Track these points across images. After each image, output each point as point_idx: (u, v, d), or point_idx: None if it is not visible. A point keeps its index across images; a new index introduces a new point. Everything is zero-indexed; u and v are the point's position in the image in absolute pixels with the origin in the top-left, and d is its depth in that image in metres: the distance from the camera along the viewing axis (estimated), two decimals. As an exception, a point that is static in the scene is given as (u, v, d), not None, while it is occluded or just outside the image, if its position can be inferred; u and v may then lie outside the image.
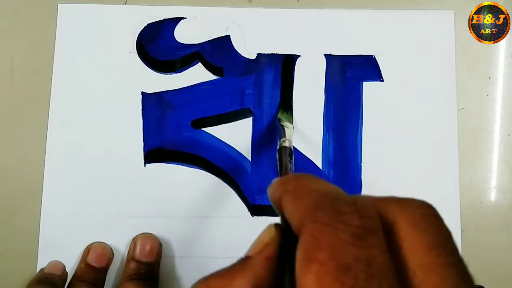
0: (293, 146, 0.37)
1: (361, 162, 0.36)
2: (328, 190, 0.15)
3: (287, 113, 0.37)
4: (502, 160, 0.37)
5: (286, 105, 0.37)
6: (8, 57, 0.38)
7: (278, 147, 0.32)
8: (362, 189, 0.36)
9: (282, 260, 0.16)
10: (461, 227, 0.36)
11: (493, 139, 0.37)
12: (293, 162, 0.30)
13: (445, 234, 0.14)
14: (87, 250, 0.35)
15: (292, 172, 0.29)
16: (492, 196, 0.37)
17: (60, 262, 0.35)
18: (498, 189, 0.37)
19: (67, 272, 0.35)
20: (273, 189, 0.17)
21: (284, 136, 0.33)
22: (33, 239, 0.35)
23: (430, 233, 0.14)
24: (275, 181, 0.18)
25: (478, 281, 0.34)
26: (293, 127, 0.36)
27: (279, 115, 0.36)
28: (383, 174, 0.36)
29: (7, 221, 0.36)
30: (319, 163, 0.36)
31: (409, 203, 0.15)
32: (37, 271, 0.35)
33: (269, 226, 0.17)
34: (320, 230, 0.13)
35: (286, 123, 0.35)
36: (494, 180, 0.37)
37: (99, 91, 0.37)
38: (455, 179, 0.36)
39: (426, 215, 0.14)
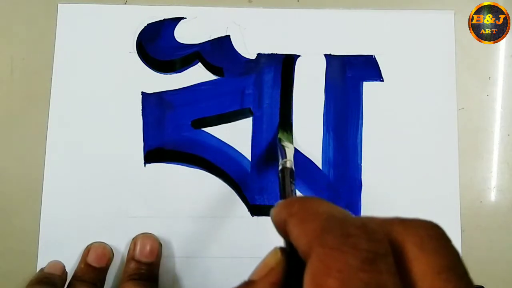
0: (294, 147, 0.37)
1: (361, 162, 0.36)
2: (335, 213, 0.15)
3: (287, 132, 0.37)
4: (502, 160, 0.37)
5: (285, 124, 0.37)
6: (8, 57, 0.38)
7: (280, 168, 0.31)
8: (362, 189, 0.36)
9: (288, 285, 0.16)
10: (461, 227, 0.36)
11: (493, 139, 0.37)
12: (294, 184, 0.30)
13: (454, 256, 0.14)
14: (87, 250, 0.35)
15: (294, 194, 0.29)
16: (492, 196, 0.37)
17: (60, 262, 0.35)
18: (498, 189, 0.37)
19: (67, 272, 0.35)
20: (277, 211, 0.17)
21: (285, 156, 0.33)
22: (33, 239, 0.35)
23: (439, 256, 0.14)
24: (279, 203, 0.17)
25: (478, 281, 0.34)
26: (294, 147, 0.36)
27: (279, 136, 0.36)
28: (383, 174, 0.36)
29: (7, 221, 0.36)
30: (319, 163, 0.36)
31: (415, 224, 0.15)
32: (37, 271, 0.35)
33: (274, 249, 0.17)
34: (328, 255, 0.13)
35: (286, 143, 0.35)
36: (494, 180, 0.37)
37: (99, 91, 0.37)
38: (455, 179, 0.36)
39: (433, 236, 0.14)
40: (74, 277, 0.33)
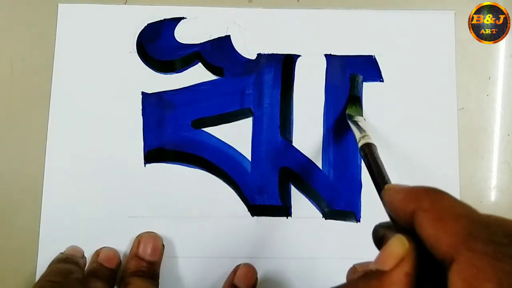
0: (294, 146, 0.37)
1: (361, 162, 0.36)
2: (477, 217, 0.15)
3: (355, 106, 0.36)
4: (502, 160, 0.37)
5: (354, 98, 0.36)
6: (8, 57, 0.38)
7: (360, 145, 0.29)
8: (362, 189, 0.36)
9: (422, 280, 0.15)
10: (461, 227, 0.36)
11: (493, 139, 0.37)
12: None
13: None
14: (97, 254, 0.35)
15: (387, 175, 0.26)
16: (492, 196, 0.37)
17: (79, 247, 0.35)
18: (498, 189, 0.37)
19: (85, 257, 0.35)
20: (400, 199, 0.16)
21: (363, 131, 0.30)
22: (33, 239, 0.35)
23: None
24: (400, 189, 0.17)
25: (478, 281, 0.34)
26: (364, 119, 0.34)
27: (347, 111, 0.35)
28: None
29: (7, 221, 0.36)
30: (319, 163, 0.36)
31: None
32: (37, 271, 0.35)
33: (398, 237, 0.16)
34: (482, 260, 0.13)
35: (357, 117, 0.33)
36: (494, 180, 0.37)
37: (99, 91, 0.37)
38: (455, 179, 0.36)
39: None
40: (87, 274, 0.33)
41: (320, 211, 0.36)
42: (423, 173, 0.36)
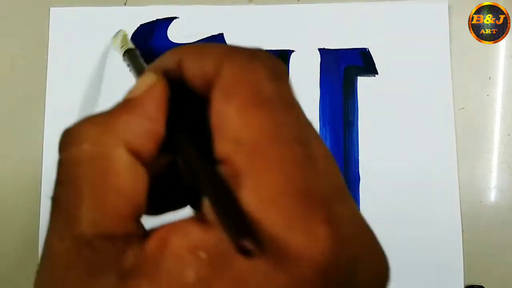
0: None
1: (358, 156, 0.36)
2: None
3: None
4: (502, 160, 0.37)
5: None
6: (5, 58, 0.38)
7: (122, 54, 0.32)
8: (360, 183, 0.36)
9: (175, 113, 0.14)
10: (461, 227, 0.36)
11: (493, 139, 0.37)
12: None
13: None
14: None
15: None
16: (492, 196, 0.37)
17: None
18: (498, 189, 0.37)
19: None
20: (166, 58, 0.15)
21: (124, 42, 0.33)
22: (33, 239, 0.35)
23: None
24: (167, 54, 0.15)
25: (478, 280, 0.34)
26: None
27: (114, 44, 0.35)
28: (382, 168, 0.36)
29: (7, 221, 0.36)
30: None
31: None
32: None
33: (147, 73, 0.15)
34: (239, 68, 0.13)
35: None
36: (494, 180, 0.37)
37: (94, 92, 0.37)
38: (455, 179, 0.36)
39: None
40: None
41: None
42: (423, 173, 0.36)
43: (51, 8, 0.38)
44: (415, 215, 0.35)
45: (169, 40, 0.38)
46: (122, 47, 0.33)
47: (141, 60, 0.30)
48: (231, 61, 0.13)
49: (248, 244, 0.11)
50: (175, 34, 0.38)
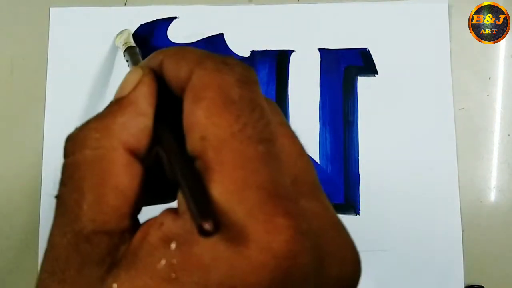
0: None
1: (358, 156, 0.36)
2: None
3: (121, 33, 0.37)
4: (502, 160, 0.37)
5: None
6: (5, 58, 0.38)
7: (123, 51, 0.33)
8: (361, 183, 0.36)
9: (160, 112, 0.15)
10: (461, 227, 0.36)
11: (493, 139, 0.37)
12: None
13: None
14: None
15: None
16: (492, 196, 0.37)
17: None
18: (498, 189, 0.37)
19: None
20: (152, 58, 0.16)
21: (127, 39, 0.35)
22: (33, 239, 0.35)
23: None
24: (153, 54, 0.17)
25: (478, 280, 0.34)
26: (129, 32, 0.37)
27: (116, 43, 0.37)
28: (381, 168, 0.36)
29: (7, 221, 0.36)
30: (316, 158, 0.36)
31: None
32: (37, 271, 0.35)
33: (133, 68, 0.16)
34: (208, 74, 0.14)
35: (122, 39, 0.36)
36: (494, 180, 0.37)
37: (94, 92, 0.37)
38: (455, 179, 0.36)
39: None
40: None
41: (319, 209, 0.36)
42: (423, 173, 0.36)
43: (51, 8, 0.38)
44: (415, 215, 0.35)
45: (169, 40, 0.38)
46: (124, 44, 0.34)
47: (140, 58, 0.32)
48: (202, 68, 0.14)
49: (208, 225, 0.12)
50: (175, 34, 0.38)
